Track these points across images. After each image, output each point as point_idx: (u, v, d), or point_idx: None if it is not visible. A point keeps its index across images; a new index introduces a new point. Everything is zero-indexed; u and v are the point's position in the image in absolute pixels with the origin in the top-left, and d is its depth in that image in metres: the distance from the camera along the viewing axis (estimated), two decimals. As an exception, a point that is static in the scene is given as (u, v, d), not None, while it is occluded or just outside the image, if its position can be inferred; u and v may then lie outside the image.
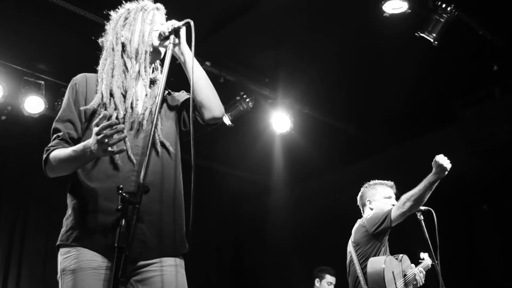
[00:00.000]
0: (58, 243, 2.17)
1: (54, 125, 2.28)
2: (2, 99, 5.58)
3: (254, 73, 6.12)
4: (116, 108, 2.24)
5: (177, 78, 2.57)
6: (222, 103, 2.38)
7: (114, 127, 1.95)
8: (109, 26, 2.45)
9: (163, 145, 2.27)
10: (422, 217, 4.10)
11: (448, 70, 5.85)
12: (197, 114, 2.32)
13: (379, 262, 4.02)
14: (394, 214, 3.98)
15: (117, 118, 2.21)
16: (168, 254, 2.19)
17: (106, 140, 1.95)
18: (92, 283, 2.05)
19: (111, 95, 2.26)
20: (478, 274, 6.46)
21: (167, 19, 2.41)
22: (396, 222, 4.00)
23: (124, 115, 2.25)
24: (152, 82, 2.39)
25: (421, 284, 4.26)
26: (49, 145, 2.23)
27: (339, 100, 6.52)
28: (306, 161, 7.43)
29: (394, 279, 4.04)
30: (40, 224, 6.45)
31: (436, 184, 3.82)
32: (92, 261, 2.08)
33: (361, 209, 4.51)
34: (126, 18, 2.41)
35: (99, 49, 2.45)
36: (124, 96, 2.28)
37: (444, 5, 4.72)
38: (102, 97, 2.25)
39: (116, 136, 1.97)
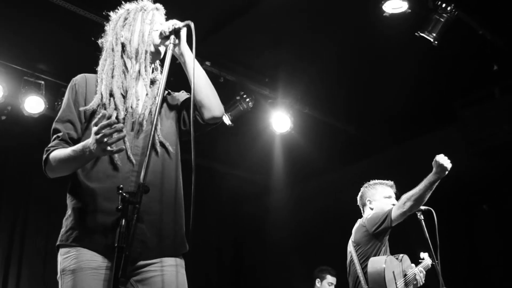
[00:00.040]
0: (58, 243, 2.17)
1: (54, 125, 2.28)
2: (2, 99, 5.58)
3: (254, 73, 6.12)
4: (116, 108, 2.24)
5: (177, 78, 2.57)
6: (222, 103, 2.39)
7: (113, 126, 1.95)
8: (108, 27, 2.45)
9: (162, 145, 2.27)
10: (422, 217, 4.10)
11: (448, 70, 5.85)
12: (196, 114, 2.33)
13: (380, 262, 4.02)
14: (394, 214, 3.98)
15: (117, 118, 2.21)
16: (168, 254, 2.20)
17: (105, 140, 1.96)
18: (92, 283, 2.05)
19: (111, 95, 2.26)
20: (478, 274, 6.46)
21: (167, 19, 2.41)
22: (397, 222, 4.00)
23: (125, 115, 2.25)
24: (152, 82, 2.39)
25: (421, 284, 4.26)
26: (49, 145, 2.23)
27: (339, 100, 6.52)
28: (306, 161, 7.43)
29: (395, 279, 4.04)
30: (40, 224, 6.45)
31: (436, 184, 3.83)
32: (92, 261, 2.08)
33: (361, 209, 4.51)
34: (125, 19, 2.41)
35: (99, 49, 2.45)
36: (124, 97, 2.29)
37: (444, 5, 4.72)
38: (102, 97, 2.25)
39: (115, 135, 1.97)
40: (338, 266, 5.48)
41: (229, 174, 8.22)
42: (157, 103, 2.10)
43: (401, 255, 4.29)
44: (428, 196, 3.88)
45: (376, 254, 4.11)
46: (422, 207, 4.00)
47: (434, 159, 3.80)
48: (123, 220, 1.87)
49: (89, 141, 2.02)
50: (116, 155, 2.16)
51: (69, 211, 2.20)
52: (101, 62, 2.38)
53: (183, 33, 2.30)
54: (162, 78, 2.17)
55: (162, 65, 2.35)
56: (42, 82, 5.75)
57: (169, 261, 2.19)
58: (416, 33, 4.82)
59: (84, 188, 2.16)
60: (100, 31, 2.48)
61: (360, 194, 4.53)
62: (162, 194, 2.21)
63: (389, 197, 4.36)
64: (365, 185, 4.52)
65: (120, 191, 1.88)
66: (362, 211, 4.49)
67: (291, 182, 8.05)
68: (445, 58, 5.54)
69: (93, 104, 2.24)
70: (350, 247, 4.28)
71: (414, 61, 5.56)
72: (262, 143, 7.13)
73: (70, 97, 2.30)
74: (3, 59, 5.49)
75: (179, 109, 2.43)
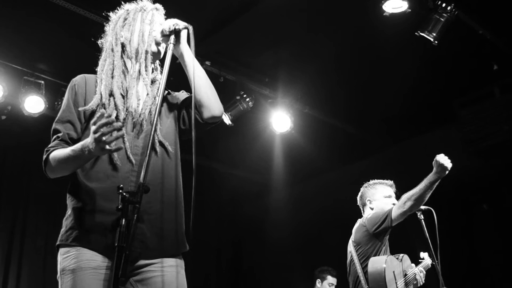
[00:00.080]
0: (58, 243, 2.17)
1: (54, 126, 2.28)
2: (2, 99, 5.58)
3: (254, 73, 6.12)
4: (116, 109, 2.24)
5: (177, 77, 2.57)
6: (222, 102, 2.39)
7: (111, 125, 1.96)
8: (108, 27, 2.45)
9: (162, 145, 2.28)
10: (422, 217, 4.10)
11: (448, 69, 5.85)
12: (196, 113, 2.33)
13: (380, 262, 4.02)
14: (394, 213, 3.98)
15: (117, 118, 2.21)
16: (168, 254, 2.20)
17: (104, 138, 1.96)
18: (91, 283, 2.05)
19: (111, 95, 2.27)
20: (478, 273, 6.46)
21: (167, 19, 2.41)
22: (397, 221, 4.00)
23: (126, 115, 2.25)
24: (152, 82, 2.39)
25: (421, 283, 4.26)
26: (49, 146, 2.23)
27: (339, 100, 6.52)
28: (306, 160, 7.44)
29: (395, 279, 4.04)
30: (40, 224, 6.46)
31: (437, 183, 3.83)
32: (91, 261, 2.08)
33: (361, 209, 4.51)
34: (125, 19, 2.41)
35: (99, 49, 2.45)
36: (124, 97, 2.29)
37: (444, 5, 4.72)
38: (101, 97, 2.26)
39: (113, 134, 1.97)
40: (338, 266, 5.49)
41: (229, 173, 8.22)
42: (157, 103, 2.11)
43: (401, 254, 4.29)
44: (428, 195, 3.88)
45: (376, 253, 4.11)
46: (422, 207, 4.00)
47: (435, 159, 3.80)
48: (123, 220, 1.87)
49: (88, 140, 2.02)
50: (115, 155, 2.17)
51: (69, 211, 2.20)
52: (100, 62, 2.39)
53: (183, 34, 2.31)
54: (162, 77, 2.17)
55: (162, 65, 2.35)
56: (42, 82, 5.75)
57: (169, 262, 2.19)
58: (416, 33, 4.82)
59: (84, 188, 2.16)
60: (100, 30, 2.48)
61: (360, 194, 4.53)
62: (162, 193, 2.21)
63: (389, 196, 4.36)
64: (365, 185, 4.52)
65: (120, 191, 1.88)
66: (362, 211, 4.49)
67: (291, 181, 8.05)
68: (445, 58, 5.55)
69: (92, 104, 2.25)
70: (350, 247, 4.28)
71: (414, 60, 5.56)
72: (262, 143, 7.14)
73: (70, 98, 2.31)
74: (3, 59, 5.49)
75: (179, 109, 2.43)
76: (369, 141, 7.25)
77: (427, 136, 6.78)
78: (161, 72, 2.29)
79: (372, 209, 4.34)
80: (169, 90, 2.51)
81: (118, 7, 2.48)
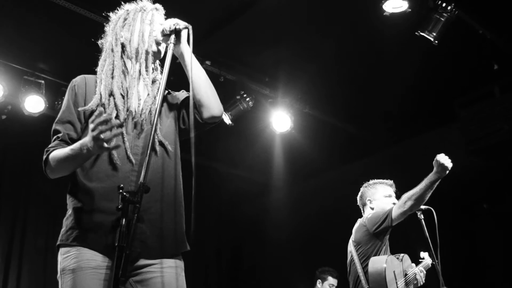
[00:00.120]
0: (58, 243, 2.17)
1: (54, 126, 2.29)
2: (2, 99, 5.58)
3: (254, 72, 6.12)
4: (116, 109, 2.24)
5: (177, 77, 2.57)
6: (222, 102, 2.39)
7: (109, 122, 1.96)
8: (108, 28, 2.45)
9: (162, 144, 2.28)
10: (422, 216, 4.10)
11: (448, 69, 5.85)
12: (195, 113, 2.33)
13: (381, 262, 4.02)
14: (395, 213, 3.98)
15: (117, 118, 2.21)
16: (168, 254, 2.20)
17: (102, 136, 1.96)
18: (91, 282, 2.06)
19: (111, 95, 2.27)
20: (478, 273, 6.46)
21: (167, 19, 2.41)
22: (397, 221, 4.00)
23: (126, 115, 2.25)
24: (153, 81, 2.39)
25: (421, 283, 4.26)
26: (49, 146, 2.24)
27: (339, 99, 6.52)
28: (306, 160, 7.44)
29: (395, 279, 4.04)
30: (40, 223, 6.46)
31: (437, 183, 3.83)
32: (92, 260, 2.08)
33: (361, 209, 4.51)
34: (125, 19, 2.41)
35: (99, 49, 2.45)
36: (124, 97, 2.29)
37: (444, 4, 4.72)
38: (101, 97, 2.26)
39: (113, 131, 1.97)
40: (338, 266, 5.49)
41: (229, 173, 8.22)
42: (157, 103, 2.11)
43: (402, 254, 4.29)
44: (428, 195, 3.88)
45: (377, 253, 4.11)
46: (422, 207, 4.00)
47: (435, 159, 3.80)
48: (123, 220, 1.87)
49: (86, 139, 2.03)
50: (115, 155, 2.17)
51: (69, 211, 2.20)
52: (100, 62, 2.39)
53: (184, 34, 2.31)
54: (162, 77, 2.17)
55: (162, 65, 2.35)
56: (42, 82, 5.75)
57: (169, 263, 2.19)
58: (416, 33, 4.82)
59: (84, 188, 2.16)
60: (100, 30, 2.48)
61: (360, 194, 4.53)
62: (162, 193, 2.21)
63: (389, 196, 4.36)
64: (365, 184, 4.52)
65: (121, 191, 1.88)
66: (362, 211, 4.49)
67: (291, 181, 8.05)
68: (445, 57, 5.55)
69: (92, 104, 2.25)
70: (351, 247, 4.28)
71: (414, 60, 5.56)
72: (262, 143, 7.14)
73: (70, 98, 2.31)
74: (3, 59, 5.49)
75: (179, 108, 2.43)
76: (369, 141, 7.25)
77: (427, 135, 6.78)
78: (162, 72, 2.29)
79: (372, 208, 4.34)
80: (169, 90, 2.51)
81: (118, 7, 2.48)
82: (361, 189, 4.52)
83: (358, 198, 4.54)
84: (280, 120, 6.44)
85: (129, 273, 2.09)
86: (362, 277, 4.08)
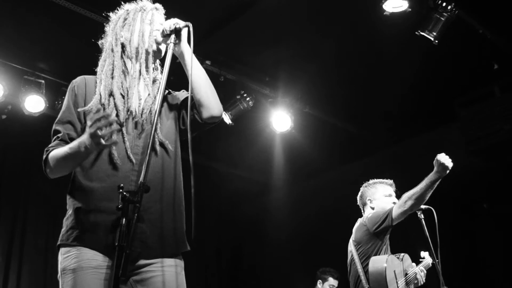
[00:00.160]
0: (58, 243, 2.18)
1: (54, 127, 2.29)
2: (3, 98, 5.58)
3: (254, 72, 6.12)
4: (116, 109, 2.24)
5: (177, 77, 2.57)
6: (222, 102, 2.38)
7: (106, 119, 1.95)
8: (108, 28, 2.45)
9: (162, 144, 2.28)
10: (422, 216, 4.10)
11: (448, 69, 5.85)
12: (195, 113, 2.33)
13: (381, 261, 4.02)
14: (395, 212, 3.98)
15: (117, 118, 2.21)
16: (168, 254, 2.20)
17: (99, 133, 1.96)
18: (92, 282, 2.06)
19: (111, 95, 2.27)
20: (478, 272, 6.46)
21: (167, 19, 2.41)
22: (397, 220, 4.00)
23: (127, 115, 2.25)
24: (153, 81, 2.39)
25: (422, 283, 4.26)
26: (49, 146, 2.24)
27: (339, 99, 6.52)
28: (306, 160, 7.44)
29: (396, 278, 4.04)
30: (40, 223, 6.46)
31: (437, 183, 3.83)
32: (92, 260, 2.08)
33: (362, 208, 4.50)
34: (125, 19, 2.41)
35: (99, 49, 2.45)
36: (124, 97, 2.29)
37: (444, 4, 4.72)
38: (101, 98, 2.26)
39: (111, 127, 1.97)
40: (338, 266, 5.49)
41: (229, 173, 8.22)
42: (157, 103, 2.11)
43: (402, 254, 4.29)
44: (429, 195, 3.88)
45: (377, 253, 4.11)
46: (423, 206, 4.01)
47: (436, 158, 3.80)
48: (124, 219, 1.87)
49: (84, 136, 2.03)
50: (115, 155, 2.17)
51: (69, 211, 2.20)
52: (100, 63, 2.39)
53: (184, 32, 2.31)
54: (162, 77, 2.17)
55: (162, 64, 2.35)
56: (43, 81, 5.75)
57: (169, 262, 2.19)
58: (416, 32, 4.82)
59: (84, 187, 2.16)
60: (100, 30, 2.48)
61: (360, 193, 4.52)
62: (162, 193, 2.21)
63: (390, 195, 4.36)
64: (365, 184, 4.52)
65: (121, 190, 1.88)
66: (362, 211, 4.49)
67: (291, 181, 8.05)
68: (445, 57, 5.55)
69: (91, 104, 2.25)
70: (351, 246, 4.28)
71: (414, 60, 5.56)
72: (262, 142, 7.14)
73: (70, 99, 2.31)
74: (3, 58, 5.49)
75: (179, 108, 2.43)
76: (369, 141, 7.25)
77: (428, 135, 6.78)
78: (162, 72, 2.28)
79: (372, 208, 4.34)
80: (170, 90, 2.51)
81: (118, 7, 2.47)
82: (361, 188, 4.52)
83: (358, 198, 4.53)
84: (280, 119, 6.44)
85: (130, 272, 2.09)
86: (362, 277, 4.08)
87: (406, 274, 4.18)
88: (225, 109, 6.04)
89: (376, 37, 5.30)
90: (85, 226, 2.12)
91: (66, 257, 2.12)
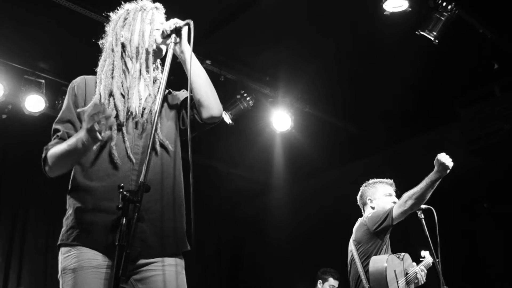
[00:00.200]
0: (59, 242, 2.17)
1: (53, 126, 2.29)
2: (3, 98, 5.59)
3: (255, 72, 6.13)
4: (116, 109, 2.24)
5: (178, 76, 2.57)
6: (222, 101, 2.38)
7: (101, 113, 1.95)
8: (108, 27, 2.45)
9: (162, 145, 2.27)
10: (422, 216, 4.10)
11: (448, 69, 5.85)
12: (195, 113, 2.33)
13: (381, 261, 4.02)
14: (395, 212, 3.98)
15: (117, 118, 2.21)
16: (169, 253, 2.20)
17: (96, 127, 1.96)
18: (92, 282, 2.06)
19: (111, 95, 2.27)
20: (478, 272, 6.46)
21: (167, 19, 2.41)
22: (398, 220, 4.00)
23: (128, 115, 2.25)
24: (154, 81, 2.39)
25: (422, 282, 4.26)
26: (48, 144, 2.24)
27: (340, 99, 6.52)
28: (306, 159, 7.44)
29: (396, 278, 4.04)
30: (40, 223, 6.46)
31: (438, 182, 3.83)
32: (92, 260, 2.08)
33: (362, 208, 4.50)
34: (125, 19, 2.41)
35: (99, 48, 2.45)
36: (124, 97, 2.29)
37: (444, 4, 4.72)
38: (100, 98, 2.26)
39: (109, 121, 1.98)
40: (338, 266, 5.49)
41: (229, 173, 8.23)
42: (158, 103, 2.11)
43: (403, 253, 4.29)
44: (429, 194, 3.88)
45: (377, 252, 4.11)
46: (423, 206, 4.01)
47: (436, 158, 3.80)
48: (124, 219, 1.87)
49: (81, 132, 2.03)
50: (116, 154, 2.17)
51: (69, 211, 2.20)
52: (100, 63, 2.39)
53: (184, 31, 2.30)
54: (163, 77, 2.17)
55: (163, 64, 2.35)
56: (43, 81, 5.76)
57: (170, 261, 2.19)
58: (416, 32, 4.82)
59: (84, 187, 2.16)
60: (100, 30, 2.48)
61: (360, 193, 4.52)
62: (162, 193, 2.21)
63: (390, 195, 4.36)
64: (365, 184, 4.52)
65: (121, 190, 1.88)
66: (362, 211, 4.49)
67: (291, 180, 8.05)
68: (445, 57, 5.55)
69: (91, 104, 2.25)
70: (351, 246, 4.28)
71: (414, 59, 5.56)
72: (262, 142, 7.14)
73: (70, 99, 2.31)
74: (3, 58, 5.49)
75: (179, 108, 2.43)
76: (369, 140, 7.25)
77: (428, 135, 6.78)
78: (162, 72, 2.28)
79: (373, 208, 4.34)
80: (170, 90, 2.51)
81: (118, 7, 2.47)
82: (361, 188, 4.52)
83: (358, 197, 4.53)
84: (280, 119, 6.44)
85: (130, 272, 2.09)
86: (363, 277, 4.08)
87: (407, 273, 4.18)
88: (225, 108, 6.04)
89: (376, 37, 5.30)
90: (85, 225, 2.12)
91: (67, 256, 2.12)
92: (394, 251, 4.27)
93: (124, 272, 1.82)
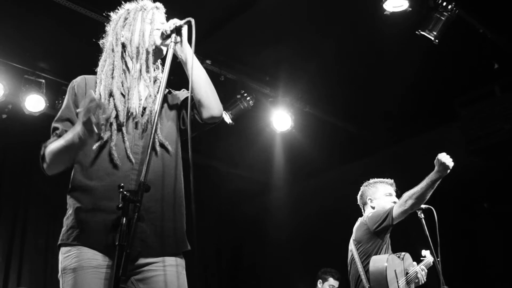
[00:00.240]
0: (59, 242, 2.17)
1: (53, 124, 2.29)
2: (3, 98, 5.59)
3: (255, 71, 6.13)
4: (116, 109, 2.24)
5: (178, 76, 2.57)
6: (222, 101, 2.38)
7: (95, 102, 1.95)
8: (109, 27, 2.45)
9: (162, 145, 2.27)
10: (422, 215, 4.10)
11: (449, 68, 5.85)
12: (195, 113, 2.32)
13: (382, 261, 4.02)
14: (395, 212, 3.98)
15: (117, 118, 2.21)
16: (169, 253, 2.20)
17: (92, 120, 1.95)
18: (92, 281, 2.05)
19: (111, 95, 2.27)
20: (478, 272, 6.46)
21: (167, 18, 2.41)
22: (398, 220, 4.01)
23: (128, 115, 2.25)
24: (154, 81, 2.39)
25: (422, 282, 4.26)
26: (47, 141, 2.24)
27: (340, 98, 6.52)
28: (306, 159, 7.44)
29: (396, 278, 4.04)
30: (40, 223, 6.46)
31: (438, 182, 3.84)
32: (92, 259, 2.08)
33: (362, 208, 4.51)
34: (125, 19, 2.41)
35: (99, 48, 2.45)
36: (124, 96, 2.29)
37: (444, 3, 4.72)
38: (100, 98, 2.25)
39: (105, 114, 1.98)
40: (338, 266, 5.49)
41: (229, 172, 8.22)
42: (158, 103, 2.11)
43: (403, 253, 4.29)
44: (429, 194, 3.89)
45: (378, 252, 4.11)
46: (423, 206, 4.01)
47: (437, 158, 3.80)
48: (124, 219, 1.87)
49: (76, 126, 2.04)
50: (115, 154, 2.17)
51: (69, 210, 2.20)
52: (100, 63, 2.39)
53: (185, 30, 2.30)
54: (163, 77, 2.17)
55: (163, 64, 2.35)
56: (43, 81, 5.76)
57: (170, 261, 2.19)
58: (416, 32, 4.82)
59: (84, 186, 2.16)
60: (100, 29, 2.48)
61: (360, 193, 4.53)
62: (163, 193, 2.21)
63: (390, 194, 4.36)
64: (365, 184, 4.52)
65: (121, 190, 1.88)
66: (362, 210, 4.49)
67: (292, 180, 8.05)
68: (446, 56, 5.55)
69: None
70: (351, 246, 4.28)
71: (415, 59, 5.56)
72: (262, 142, 7.14)
73: (70, 99, 2.31)
74: (3, 58, 5.49)
75: (179, 108, 2.43)
76: (369, 140, 7.25)
77: (428, 135, 6.78)
78: (162, 71, 2.28)
79: (373, 207, 4.34)
80: (170, 89, 2.51)
81: (118, 6, 2.47)
82: (362, 188, 4.52)
83: (358, 197, 4.54)
84: (281, 119, 6.44)
85: (130, 271, 2.09)
86: (363, 276, 4.08)
87: (407, 273, 4.18)
88: (226, 108, 6.04)
89: (376, 36, 5.30)
90: (85, 225, 2.12)
91: (67, 256, 2.11)
92: (395, 250, 4.27)
93: (124, 272, 1.82)
